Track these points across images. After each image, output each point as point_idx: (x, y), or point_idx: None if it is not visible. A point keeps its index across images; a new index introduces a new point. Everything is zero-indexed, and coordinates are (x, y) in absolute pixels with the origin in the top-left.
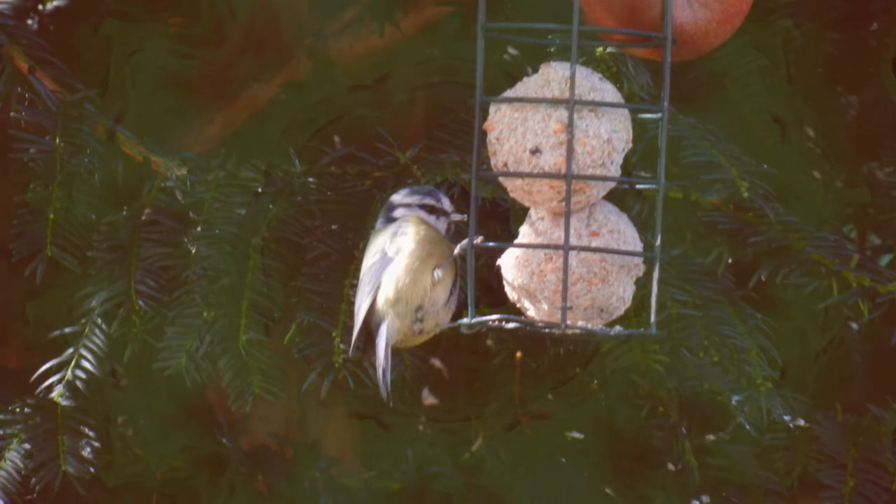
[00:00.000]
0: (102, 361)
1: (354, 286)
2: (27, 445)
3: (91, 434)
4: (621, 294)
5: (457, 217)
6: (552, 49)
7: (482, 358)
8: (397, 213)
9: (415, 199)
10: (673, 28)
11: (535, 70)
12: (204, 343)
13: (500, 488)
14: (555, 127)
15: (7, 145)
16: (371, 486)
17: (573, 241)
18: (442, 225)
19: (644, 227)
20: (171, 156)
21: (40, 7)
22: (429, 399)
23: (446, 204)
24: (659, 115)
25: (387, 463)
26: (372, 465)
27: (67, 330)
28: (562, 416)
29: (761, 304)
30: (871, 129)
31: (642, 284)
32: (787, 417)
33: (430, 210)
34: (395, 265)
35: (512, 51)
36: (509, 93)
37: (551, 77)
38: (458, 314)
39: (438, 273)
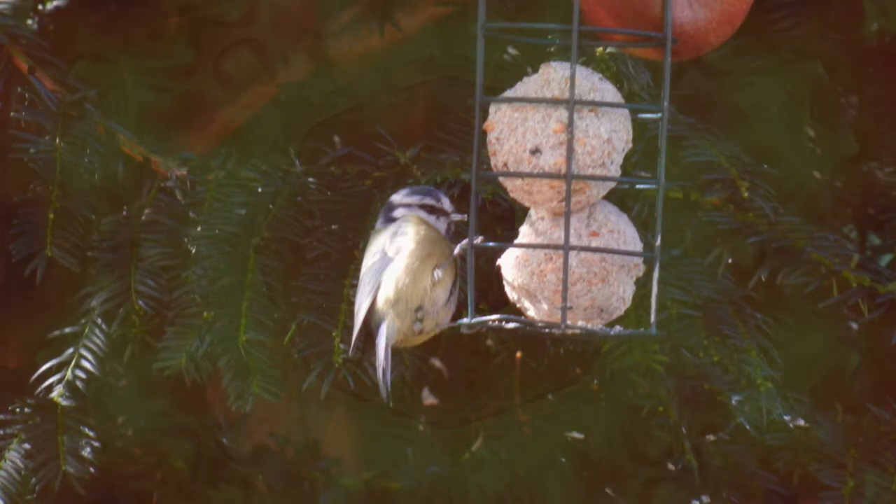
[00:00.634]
0: (102, 361)
1: (354, 286)
2: (27, 445)
3: (91, 434)
4: (621, 294)
5: (457, 217)
6: (552, 49)
7: (482, 358)
8: (397, 213)
9: (415, 199)
10: (673, 28)
11: (535, 70)
12: (204, 343)
13: (500, 488)
14: (555, 127)
15: (7, 145)
16: (371, 486)
17: (573, 241)
18: (442, 225)
19: (644, 227)
20: (171, 156)
21: (40, 7)
22: (429, 399)
23: (446, 204)
24: (659, 115)
25: (387, 463)
26: (372, 465)
27: (67, 330)
28: (562, 416)
29: (761, 304)
30: (871, 129)
31: (642, 284)
32: (787, 417)
33: (430, 210)
34: (395, 265)
35: (512, 51)
36: (509, 93)
37: (551, 77)
38: (458, 314)
39: (438, 273)
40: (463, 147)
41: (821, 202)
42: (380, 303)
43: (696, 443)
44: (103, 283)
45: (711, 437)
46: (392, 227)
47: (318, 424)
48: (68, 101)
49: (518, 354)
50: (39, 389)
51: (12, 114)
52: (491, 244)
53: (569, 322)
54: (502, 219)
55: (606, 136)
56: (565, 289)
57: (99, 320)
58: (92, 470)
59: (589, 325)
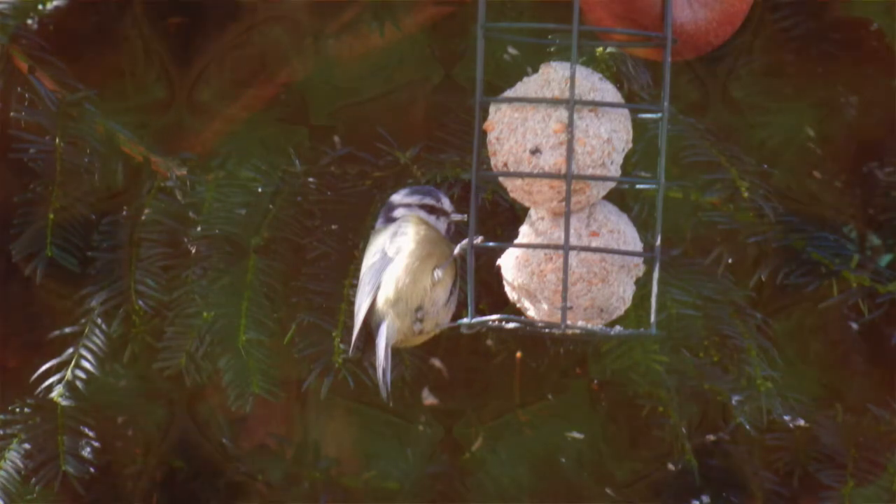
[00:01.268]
0: (102, 361)
1: (354, 286)
2: (27, 445)
3: (91, 434)
4: (621, 294)
5: (457, 217)
6: (552, 49)
7: (482, 358)
8: (397, 213)
9: (415, 199)
10: (673, 28)
11: (535, 70)
12: (204, 343)
13: (500, 488)
14: (555, 127)
15: (7, 145)
16: (371, 486)
17: (573, 241)
18: (442, 225)
19: (644, 227)
20: (171, 156)
21: (40, 7)
22: (429, 399)
23: (446, 204)
24: (659, 115)
25: (387, 463)
26: (372, 465)
27: (67, 330)
28: (562, 416)
29: (761, 304)
30: (871, 129)
31: (642, 284)
32: (787, 417)
33: (430, 210)
34: (395, 265)
35: (512, 51)
36: (509, 93)
37: (551, 77)
38: (458, 314)
39: (438, 273)
40: (463, 147)
41: (821, 202)
42: (380, 303)
43: (696, 443)
44: (103, 283)
45: (711, 437)
46: (392, 227)
47: (318, 424)
48: (68, 101)
49: (518, 354)
50: (39, 389)
51: (12, 114)
52: (491, 244)
53: (569, 322)
54: (502, 219)
55: (606, 136)
56: (565, 289)
57: (99, 320)
58: (92, 470)
59: (589, 325)
